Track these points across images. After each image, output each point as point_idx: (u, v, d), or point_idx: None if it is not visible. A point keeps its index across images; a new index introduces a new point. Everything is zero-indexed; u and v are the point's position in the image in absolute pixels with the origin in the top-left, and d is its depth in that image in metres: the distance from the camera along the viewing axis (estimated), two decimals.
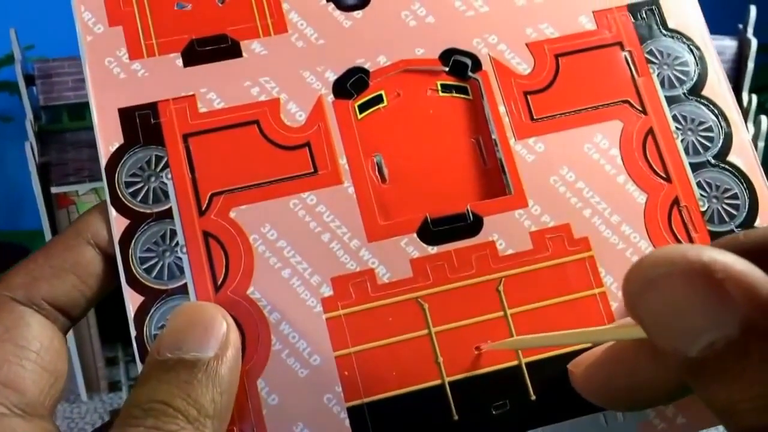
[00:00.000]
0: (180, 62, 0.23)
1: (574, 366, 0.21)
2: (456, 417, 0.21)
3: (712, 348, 0.14)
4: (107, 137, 0.23)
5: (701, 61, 0.25)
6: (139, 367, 0.21)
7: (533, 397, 0.22)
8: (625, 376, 0.20)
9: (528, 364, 0.22)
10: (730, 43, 0.54)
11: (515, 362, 0.22)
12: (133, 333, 0.21)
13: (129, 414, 0.19)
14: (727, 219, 0.24)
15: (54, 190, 0.68)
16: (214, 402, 0.19)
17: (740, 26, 0.55)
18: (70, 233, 0.22)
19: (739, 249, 0.16)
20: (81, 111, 0.72)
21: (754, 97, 0.51)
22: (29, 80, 0.71)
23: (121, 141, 0.23)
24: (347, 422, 0.21)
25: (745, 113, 0.50)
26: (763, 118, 0.49)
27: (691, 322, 0.15)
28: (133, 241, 0.22)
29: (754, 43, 0.53)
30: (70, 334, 0.72)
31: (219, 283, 0.22)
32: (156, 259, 0.22)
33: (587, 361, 0.21)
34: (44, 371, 0.21)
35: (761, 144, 0.50)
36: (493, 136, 0.24)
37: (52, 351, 0.21)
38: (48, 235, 0.68)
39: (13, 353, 0.20)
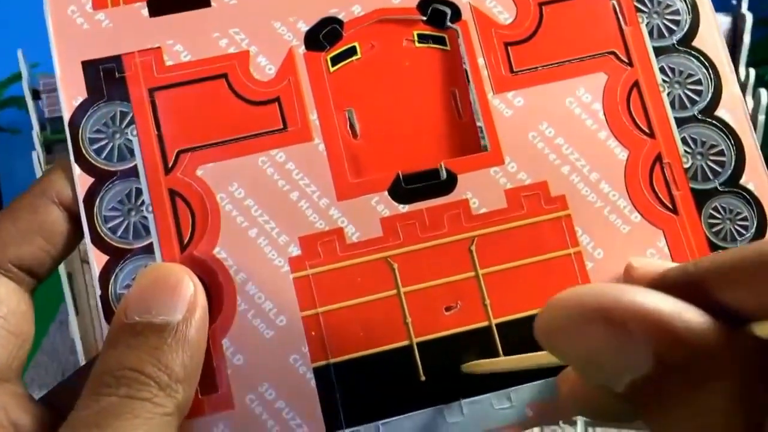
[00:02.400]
0: (145, 12, 0.23)
1: (560, 381, 0.21)
2: (423, 377, 0.21)
3: (633, 386, 0.14)
4: (70, 91, 0.22)
5: (693, 9, 0.24)
6: (104, 327, 0.21)
7: (502, 358, 0.21)
8: (606, 391, 0.19)
9: (498, 325, 0.21)
10: (724, 19, 0.52)
11: (485, 323, 0.22)
12: (97, 292, 0.21)
13: (101, 382, 0.19)
14: (711, 176, 0.23)
15: None
16: (184, 366, 0.19)
17: (734, 2, 0.53)
18: (34, 193, 0.22)
19: (686, 280, 0.15)
20: None
21: (752, 71, 0.49)
22: (35, 95, 0.75)
23: (85, 95, 0.22)
24: (313, 383, 0.21)
25: (743, 87, 0.48)
26: (762, 91, 0.48)
27: (607, 364, 0.14)
28: (98, 199, 0.22)
29: (749, 17, 0.51)
30: (75, 329, 0.74)
31: (185, 242, 0.22)
32: (121, 218, 0.22)
33: (572, 374, 0.21)
34: (11, 335, 0.21)
35: (762, 117, 0.48)
36: (471, 89, 0.23)
37: (19, 314, 0.21)
38: None
39: None
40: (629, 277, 0.22)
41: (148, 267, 0.21)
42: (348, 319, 0.21)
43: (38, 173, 0.67)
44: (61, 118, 0.74)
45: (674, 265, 0.18)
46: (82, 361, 0.77)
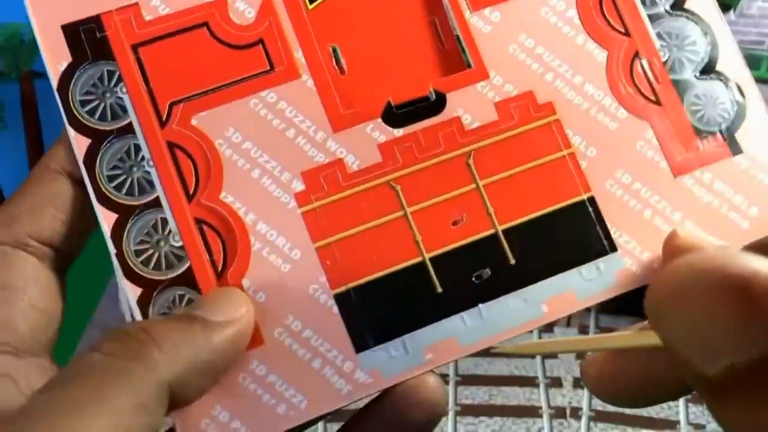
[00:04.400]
0: None
1: (587, 365, 0.21)
2: (440, 289, 0.22)
3: (732, 370, 0.13)
4: (54, 57, 0.22)
5: None
6: (125, 285, 0.21)
7: (512, 262, 0.22)
8: (638, 374, 0.19)
9: (504, 231, 0.22)
10: None
11: (492, 231, 0.22)
12: (112, 251, 0.22)
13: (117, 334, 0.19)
14: (687, 65, 0.24)
15: None
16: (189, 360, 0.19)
17: None
18: (39, 167, 0.22)
19: None
20: None
21: None
22: None
23: (69, 59, 0.22)
24: (335, 309, 0.22)
25: None
26: None
27: (714, 340, 0.13)
28: (98, 159, 0.22)
29: None
30: (124, 301, 0.73)
31: (191, 192, 0.22)
32: (124, 176, 0.22)
33: (599, 359, 0.21)
34: (34, 309, 0.21)
35: None
36: (448, 11, 0.23)
37: (42, 289, 0.21)
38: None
39: (2, 299, 0.20)
40: (671, 246, 0.22)
41: (216, 290, 0.21)
42: (360, 245, 0.22)
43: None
44: None
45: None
46: None
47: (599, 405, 0.53)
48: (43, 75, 0.98)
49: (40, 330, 0.21)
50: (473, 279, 0.22)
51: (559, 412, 0.53)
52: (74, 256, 0.23)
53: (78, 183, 0.22)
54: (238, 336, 0.20)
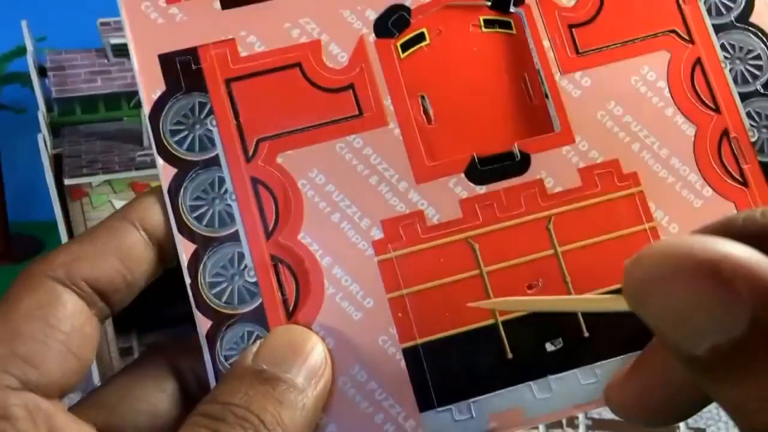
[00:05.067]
0: (217, 5, 0.23)
1: (608, 389, 0.21)
2: (510, 355, 0.22)
3: (718, 348, 0.14)
4: (149, 85, 0.22)
5: None
6: (197, 316, 0.21)
7: (586, 334, 0.22)
8: (659, 387, 0.19)
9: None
10: None
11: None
12: (187, 281, 0.22)
13: (220, 416, 0.19)
14: None
15: (67, 182, 0.69)
16: (296, 429, 0.20)
17: None
18: (116, 216, 0.22)
19: (757, 230, 0.15)
20: (94, 103, 0.72)
21: None
22: (42, 72, 0.71)
23: (163, 88, 0.22)
24: (403, 363, 0.21)
25: None
26: None
27: (695, 322, 0.14)
28: (182, 189, 0.22)
29: None
30: None
31: (270, 229, 0.22)
32: (206, 207, 0.22)
33: (619, 380, 0.21)
34: (70, 353, 0.20)
35: None
36: (538, 72, 0.23)
37: (83, 335, 0.21)
38: (62, 228, 0.68)
39: (41, 330, 0.20)
40: None
41: (286, 326, 0.21)
42: (433, 300, 0.22)
43: (44, 157, 0.65)
44: (70, 99, 0.75)
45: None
46: (93, 366, 0.75)
47: (595, 413, 0.51)
48: (3, 107, 0.98)
49: (69, 375, 0.20)
50: (545, 348, 0.22)
51: (555, 422, 0.51)
52: (117, 310, 0.22)
53: (153, 244, 0.22)
54: (325, 387, 0.21)
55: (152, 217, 0.22)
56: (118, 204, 0.69)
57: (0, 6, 1.02)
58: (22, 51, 0.74)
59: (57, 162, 0.69)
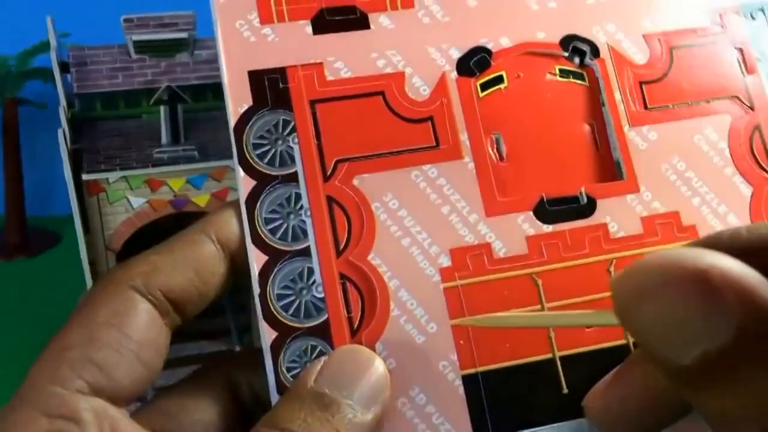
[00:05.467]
0: (309, 30, 0.24)
1: (589, 401, 0.22)
2: (566, 390, 0.22)
3: (704, 357, 0.14)
4: (237, 98, 0.23)
5: None
6: (262, 326, 0.21)
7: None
8: (638, 398, 0.20)
9: (636, 344, 0.22)
10: None
11: (624, 341, 0.22)
12: (256, 290, 0.22)
13: None
14: None
15: (85, 177, 0.69)
16: None
17: None
18: (194, 229, 0.23)
19: (741, 245, 0.16)
20: (114, 100, 0.73)
21: None
22: (64, 67, 0.72)
23: (250, 103, 0.23)
24: (461, 390, 0.22)
25: None
26: None
27: (683, 332, 0.14)
28: (259, 201, 0.22)
29: None
30: None
31: (341, 247, 0.22)
32: (280, 221, 0.22)
33: (599, 391, 0.21)
34: (140, 362, 0.21)
35: None
36: (608, 122, 0.24)
37: (154, 346, 0.21)
38: (77, 222, 0.68)
39: (115, 339, 0.20)
40: None
41: (350, 347, 0.22)
42: (495, 330, 0.22)
43: (63, 152, 0.65)
44: (91, 95, 0.76)
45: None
46: None
47: None
48: (26, 102, 0.99)
49: (137, 383, 0.21)
50: None
51: None
52: (187, 320, 0.23)
53: (227, 257, 0.22)
54: (381, 413, 0.21)
55: (228, 230, 0.22)
56: (134, 200, 0.70)
57: (25, 2, 1.04)
58: (45, 47, 0.75)
59: (76, 157, 0.69)
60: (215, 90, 0.74)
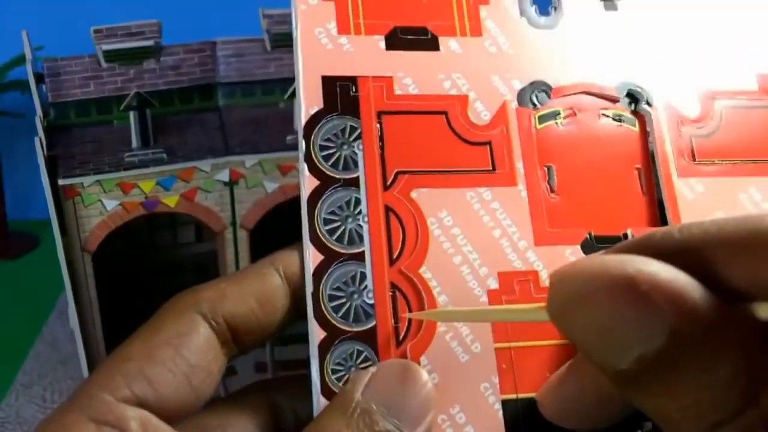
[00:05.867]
0: (382, 45, 0.24)
1: (541, 396, 0.22)
2: None
3: (641, 361, 0.14)
4: (309, 100, 0.23)
5: None
6: (312, 324, 0.21)
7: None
8: (588, 393, 0.20)
9: None
10: None
11: None
12: (309, 289, 0.22)
13: None
14: None
15: (61, 182, 0.70)
16: None
17: None
18: (264, 262, 0.23)
19: (672, 245, 0.16)
20: (87, 107, 0.75)
21: None
22: (39, 78, 0.74)
23: (321, 106, 0.23)
24: (501, 414, 0.22)
25: None
26: None
27: (618, 337, 0.14)
28: (321, 201, 0.23)
29: None
30: (74, 317, 0.73)
31: (394, 257, 0.23)
32: (339, 223, 0.23)
33: (551, 386, 0.22)
34: (189, 385, 0.21)
35: None
36: (657, 170, 0.25)
37: (207, 371, 0.21)
38: (55, 225, 0.69)
39: (171, 358, 0.21)
40: None
41: (401, 361, 0.21)
42: (537, 358, 0.22)
43: (40, 158, 0.66)
44: (65, 104, 0.75)
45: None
46: (81, 351, 0.73)
47: None
48: (3, 113, 1.01)
49: (182, 405, 0.21)
50: (638, 425, 0.22)
51: None
52: (244, 353, 0.23)
53: (291, 293, 0.23)
54: None
55: (296, 266, 0.23)
56: (108, 203, 0.70)
57: (0, 18, 1.06)
58: (21, 60, 0.77)
59: (52, 163, 0.70)
60: (181, 94, 0.76)
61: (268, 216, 0.75)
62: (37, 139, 0.67)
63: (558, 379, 0.21)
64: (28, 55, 0.71)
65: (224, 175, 0.74)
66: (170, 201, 0.73)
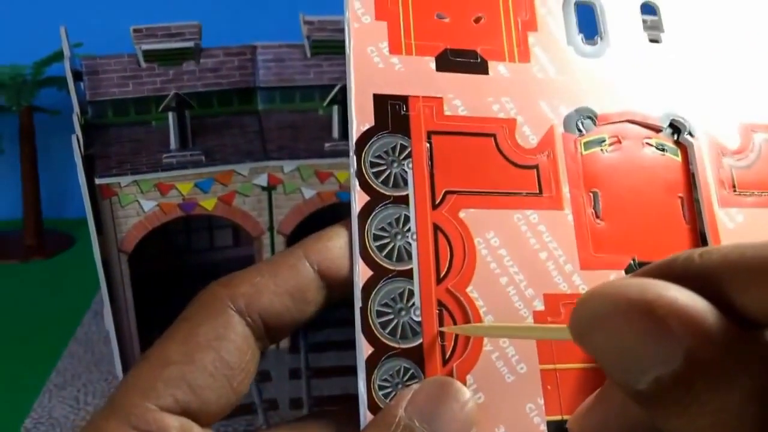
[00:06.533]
0: (433, 65, 0.25)
1: (571, 421, 0.22)
2: None
3: (658, 382, 0.15)
4: (361, 117, 0.24)
5: None
6: (361, 341, 0.21)
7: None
8: (617, 419, 0.20)
9: None
10: None
11: None
12: (357, 304, 0.22)
13: None
14: None
15: (98, 181, 0.70)
16: None
17: None
18: (298, 254, 0.23)
19: (694, 270, 0.16)
20: (125, 107, 0.75)
21: None
22: (77, 76, 0.74)
23: (372, 124, 0.24)
24: None
25: None
26: None
27: (636, 359, 0.15)
28: (371, 217, 0.23)
29: None
30: (110, 318, 0.72)
31: (441, 275, 0.23)
32: (388, 239, 0.23)
33: (581, 412, 0.22)
34: (230, 387, 0.21)
35: None
36: (699, 199, 0.25)
37: (246, 371, 0.21)
38: (91, 225, 0.69)
39: (212, 362, 0.21)
40: None
41: (443, 378, 0.22)
42: (582, 381, 0.22)
43: (77, 157, 0.66)
44: (103, 103, 0.77)
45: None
46: (116, 352, 0.73)
47: None
48: (40, 109, 1.04)
49: (224, 406, 0.21)
50: None
51: None
52: (269, 346, 0.23)
53: (325, 284, 0.23)
54: None
55: (329, 258, 0.23)
56: (145, 203, 0.70)
57: (40, 13, 1.07)
58: (59, 56, 0.78)
59: (89, 162, 0.70)
60: (220, 97, 0.77)
61: (305, 222, 0.75)
62: (74, 137, 0.67)
63: (587, 407, 0.22)
64: (66, 52, 0.71)
65: (262, 180, 0.74)
66: (208, 204, 0.73)
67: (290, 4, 0.83)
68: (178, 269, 0.93)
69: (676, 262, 0.17)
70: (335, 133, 0.72)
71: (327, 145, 0.72)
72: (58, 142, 0.95)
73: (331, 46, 0.73)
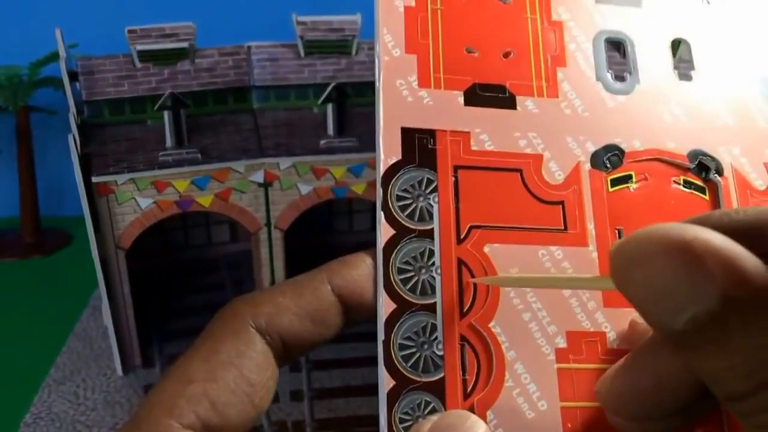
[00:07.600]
0: (461, 100, 0.25)
1: (600, 384, 0.22)
2: None
3: (694, 321, 0.15)
4: (388, 150, 0.24)
5: None
6: (382, 372, 0.22)
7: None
8: (649, 377, 0.20)
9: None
10: None
11: None
12: (380, 337, 0.22)
13: None
14: None
15: (95, 179, 0.71)
16: None
17: None
18: (320, 275, 0.23)
19: (728, 223, 0.17)
20: (121, 106, 0.76)
21: None
22: (73, 76, 0.75)
23: (399, 157, 0.24)
24: None
25: None
26: None
27: (674, 297, 0.15)
28: (395, 250, 0.23)
29: None
30: (108, 313, 0.73)
31: (464, 310, 0.23)
32: (412, 273, 0.23)
33: (610, 374, 0.22)
34: (251, 404, 0.21)
35: None
36: None
37: (266, 388, 0.22)
38: (89, 222, 0.70)
39: (233, 379, 0.21)
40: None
41: (459, 412, 0.22)
42: (602, 420, 0.22)
43: (74, 156, 0.67)
44: (98, 102, 0.78)
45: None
46: (114, 347, 0.74)
47: None
48: (37, 109, 1.07)
49: (244, 422, 0.21)
50: None
51: None
52: (286, 364, 0.23)
53: (343, 309, 0.23)
54: None
55: (352, 284, 0.23)
56: (142, 201, 0.72)
57: (36, 14, 1.09)
58: (55, 57, 0.79)
59: (85, 161, 0.71)
60: (215, 96, 0.78)
61: (301, 217, 0.76)
62: (70, 136, 0.68)
63: (615, 370, 0.22)
64: (62, 53, 0.72)
65: (259, 176, 0.75)
66: (204, 200, 0.75)
67: (283, 4, 0.84)
68: (176, 265, 0.94)
69: (711, 217, 0.18)
70: (330, 131, 0.73)
71: (322, 142, 0.72)
72: (55, 141, 0.97)
73: (323, 46, 0.74)
